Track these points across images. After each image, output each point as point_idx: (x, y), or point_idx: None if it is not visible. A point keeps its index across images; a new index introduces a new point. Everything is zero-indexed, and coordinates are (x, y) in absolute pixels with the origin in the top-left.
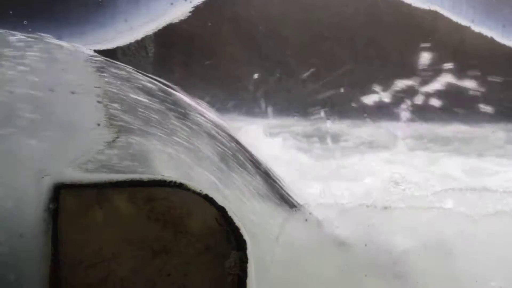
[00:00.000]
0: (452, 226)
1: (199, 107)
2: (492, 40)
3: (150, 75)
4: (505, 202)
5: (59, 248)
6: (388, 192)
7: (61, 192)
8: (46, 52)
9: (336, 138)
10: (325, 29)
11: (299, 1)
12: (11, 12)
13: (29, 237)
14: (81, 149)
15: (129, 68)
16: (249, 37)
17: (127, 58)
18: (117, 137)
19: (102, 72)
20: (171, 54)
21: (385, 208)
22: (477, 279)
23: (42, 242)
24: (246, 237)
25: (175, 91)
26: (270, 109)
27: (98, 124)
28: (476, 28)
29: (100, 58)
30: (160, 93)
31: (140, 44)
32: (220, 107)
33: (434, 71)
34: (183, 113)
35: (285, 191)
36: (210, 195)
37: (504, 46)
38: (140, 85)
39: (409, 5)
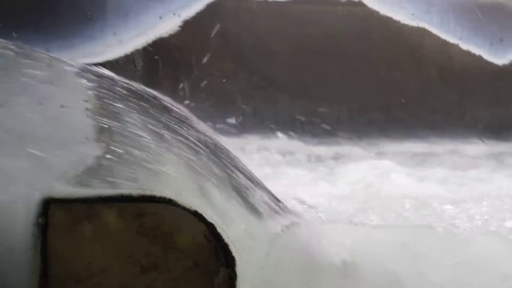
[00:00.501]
0: None
1: (187, 120)
2: (479, 57)
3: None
4: None
5: (48, 262)
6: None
7: (50, 206)
8: (34, 65)
9: (322, 155)
10: (315, 44)
11: (288, 16)
12: (0, 24)
13: (18, 252)
14: (70, 164)
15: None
16: (237, 52)
17: (116, 72)
18: (107, 151)
19: (91, 85)
20: (159, 68)
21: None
22: None
23: (31, 257)
24: (235, 254)
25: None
26: (257, 124)
27: (87, 138)
28: (464, 46)
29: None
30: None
31: (129, 58)
32: (209, 121)
33: (421, 87)
34: (171, 126)
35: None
36: (200, 211)
37: (491, 63)
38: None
39: (398, 22)
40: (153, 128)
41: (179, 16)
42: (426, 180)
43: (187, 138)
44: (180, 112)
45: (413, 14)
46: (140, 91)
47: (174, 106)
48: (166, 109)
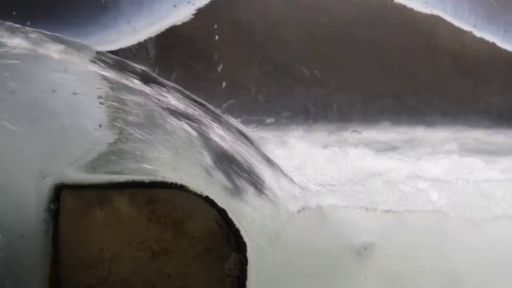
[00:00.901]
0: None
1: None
2: (493, 45)
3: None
4: None
5: (59, 248)
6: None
7: (62, 192)
8: (47, 52)
9: (342, 142)
10: (328, 32)
11: (300, 4)
12: (14, 13)
13: (30, 237)
14: (83, 150)
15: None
16: (250, 40)
17: (128, 59)
18: (119, 138)
19: (104, 72)
20: (172, 56)
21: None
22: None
23: (43, 242)
24: (246, 239)
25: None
26: (271, 112)
27: (100, 125)
28: (478, 33)
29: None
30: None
31: (142, 45)
32: (221, 108)
33: (435, 75)
34: (183, 115)
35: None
36: (211, 197)
37: (505, 51)
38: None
39: (411, 10)
40: (166, 115)
41: (193, 4)
42: (437, 166)
43: (199, 124)
44: (195, 99)
45: (427, 2)
46: (153, 78)
47: (188, 95)
48: (181, 97)
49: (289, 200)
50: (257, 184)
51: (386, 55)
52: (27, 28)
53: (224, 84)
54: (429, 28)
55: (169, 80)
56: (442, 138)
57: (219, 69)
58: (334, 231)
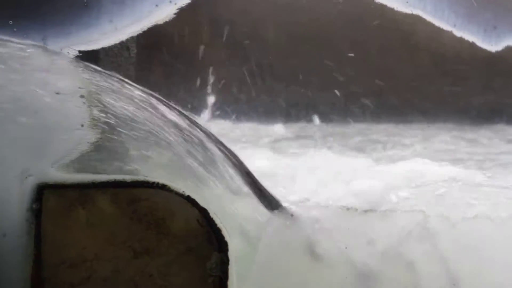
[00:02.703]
0: None
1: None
2: (473, 44)
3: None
4: None
5: (41, 248)
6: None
7: (44, 192)
8: (30, 52)
9: (322, 140)
10: (309, 31)
11: (281, 3)
12: None
13: (12, 237)
14: (65, 150)
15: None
16: (232, 39)
17: (110, 58)
18: (101, 138)
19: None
20: (153, 55)
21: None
22: None
23: (25, 242)
24: (227, 238)
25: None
26: (252, 111)
27: (82, 125)
28: (458, 33)
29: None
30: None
31: (123, 45)
32: (202, 109)
33: (415, 74)
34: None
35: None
36: (192, 196)
37: (485, 50)
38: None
39: (392, 9)
40: (147, 115)
41: (175, 3)
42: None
43: (179, 126)
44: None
45: (407, 2)
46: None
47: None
48: (160, 98)
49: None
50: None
51: (366, 54)
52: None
53: (205, 82)
54: (409, 27)
55: (150, 80)
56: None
57: (200, 68)
58: (314, 230)
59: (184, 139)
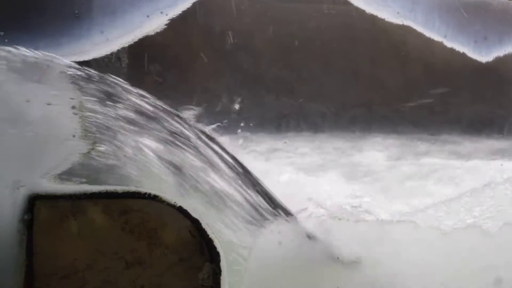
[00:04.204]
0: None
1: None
2: (463, 55)
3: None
4: None
5: (33, 259)
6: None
7: (36, 203)
8: (21, 63)
9: (310, 152)
10: (300, 42)
11: (273, 14)
12: None
13: (4, 248)
14: (56, 160)
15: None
16: (222, 50)
17: (101, 69)
18: (92, 149)
19: (78, 83)
20: (145, 66)
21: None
22: None
23: (17, 253)
24: (219, 249)
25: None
26: (243, 122)
27: (73, 136)
28: (449, 44)
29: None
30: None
31: (115, 55)
32: (194, 118)
33: (406, 85)
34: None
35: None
36: (184, 207)
37: (475, 61)
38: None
39: (382, 20)
40: (139, 127)
41: (166, 14)
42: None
43: (173, 134)
44: (166, 110)
45: (398, 12)
46: (128, 90)
47: (160, 105)
48: (153, 108)
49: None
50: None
51: (357, 64)
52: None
53: (196, 93)
54: (400, 38)
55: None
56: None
57: (191, 78)
58: (306, 241)
59: (181, 148)
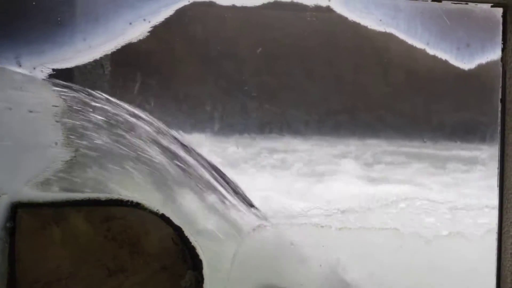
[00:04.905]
0: None
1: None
2: (446, 62)
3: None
4: None
5: (15, 266)
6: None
7: (18, 210)
8: (2, 71)
9: (292, 158)
10: (283, 49)
11: (256, 21)
12: None
13: None
14: (38, 168)
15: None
16: (205, 57)
17: (84, 76)
18: (75, 156)
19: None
20: (127, 72)
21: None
22: None
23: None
24: (202, 256)
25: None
26: (226, 128)
27: (56, 143)
28: (431, 51)
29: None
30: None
31: (97, 62)
32: (177, 125)
33: (389, 92)
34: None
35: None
36: (167, 214)
37: (458, 68)
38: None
39: (365, 27)
40: (120, 133)
41: (149, 22)
42: (388, 182)
43: (154, 141)
44: (147, 118)
45: (380, 20)
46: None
47: (141, 112)
48: (133, 115)
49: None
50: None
51: (340, 72)
52: None
53: (179, 100)
54: (382, 45)
55: (124, 98)
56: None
57: (173, 85)
58: (289, 248)
59: (164, 155)
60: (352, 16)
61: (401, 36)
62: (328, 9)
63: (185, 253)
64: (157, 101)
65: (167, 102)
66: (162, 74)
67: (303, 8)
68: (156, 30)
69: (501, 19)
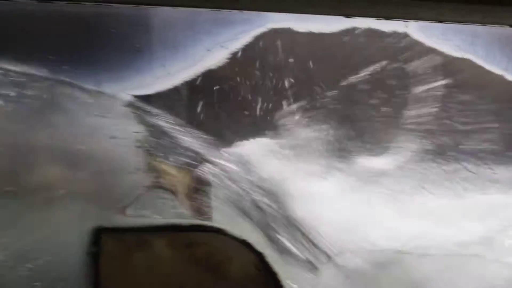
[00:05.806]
0: None
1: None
2: None
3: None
4: None
5: None
6: None
7: (101, 235)
8: (86, 97)
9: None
10: (361, 76)
11: (333, 48)
12: (53, 57)
13: (71, 281)
14: (121, 194)
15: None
16: (280, 84)
17: (162, 101)
18: (157, 182)
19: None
20: (206, 99)
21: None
22: None
23: (83, 286)
24: (283, 282)
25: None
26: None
27: (137, 169)
28: (509, 76)
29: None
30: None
31: (176, 88)
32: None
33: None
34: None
35: None
36: (248, 240)
37: None
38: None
39: (442, 53)
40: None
41: (226, 48)
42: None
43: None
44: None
45: (458, 46)
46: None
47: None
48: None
49: None
50: None
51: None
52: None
53: (254, 124)
54: (458, 69)
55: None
56: None
57: (248, 112)
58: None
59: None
60: (430, 42)
61: (479, 61)
62: (405, 35)
63: (268, 279)
64: (232, 127)
65: (242, 127)
66: (238, 99)
67: (382, 35)
68: (234, 57)
69: None
